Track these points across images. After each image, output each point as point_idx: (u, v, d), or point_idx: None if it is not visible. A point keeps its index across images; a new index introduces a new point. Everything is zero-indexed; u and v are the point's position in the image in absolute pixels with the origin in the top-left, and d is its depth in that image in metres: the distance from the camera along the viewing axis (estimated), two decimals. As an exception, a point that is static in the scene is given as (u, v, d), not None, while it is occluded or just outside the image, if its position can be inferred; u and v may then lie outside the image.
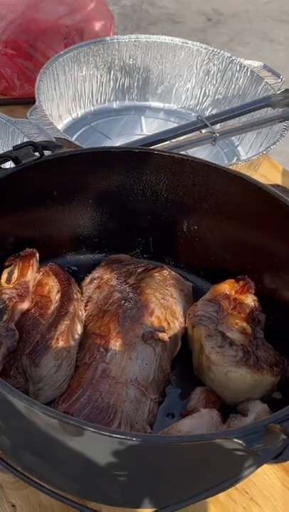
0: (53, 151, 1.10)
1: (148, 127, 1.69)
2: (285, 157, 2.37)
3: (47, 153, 1.08)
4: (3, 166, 1.04)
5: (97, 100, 1.69)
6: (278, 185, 1.08)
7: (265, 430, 0.75)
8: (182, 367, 1.07)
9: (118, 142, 1.60)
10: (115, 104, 1.72)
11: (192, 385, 1.04)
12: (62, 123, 1.63)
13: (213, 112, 1.70)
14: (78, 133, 1.63)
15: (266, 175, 1.60)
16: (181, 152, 1.24)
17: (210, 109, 1.71)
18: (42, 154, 1.06)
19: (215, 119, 1.43)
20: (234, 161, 1.61)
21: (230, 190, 1.09)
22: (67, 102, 1.63)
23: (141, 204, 1.16)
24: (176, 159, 1.10)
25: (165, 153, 1.11)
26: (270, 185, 1.07)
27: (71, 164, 1.09)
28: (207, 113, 1.71)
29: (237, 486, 0.94)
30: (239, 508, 0.99)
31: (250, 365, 0.98)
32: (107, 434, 0.74)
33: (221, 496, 0.99)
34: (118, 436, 0.74)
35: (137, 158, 1.11)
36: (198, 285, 1.18)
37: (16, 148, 1.06)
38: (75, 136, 1.61)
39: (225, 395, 1.00)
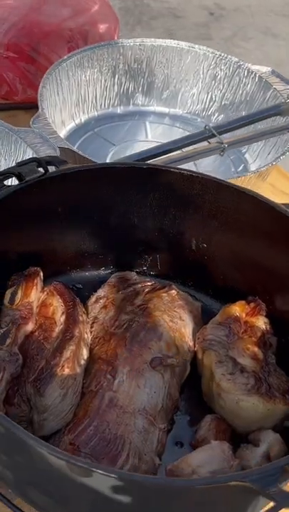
0: (58, 167, 1.06)
1: (153, 133, 1.65)
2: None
3: (51, 168, 1.04)
4: (6, 182, 1.01)
5: (101, 105, 1.65)
6: (292, 204, 1.04)
7: (281, 472, 0.72)
8: (191, 392, 1.04)
9: (122, 149, 1.57)
10: (119, 109, 1.68)
11: (201, 412, 1.00)
12: (65, 129, 1.59)
13: (220, 117, 1.66)
14: (81, 139, 1.59)
15: (274, 183, 1.56)
16: (190, 164, 1.21)
17: (216, 115, 1.67)
18: (46, 170, 1.03)
19: (223, 128, 1.39)
20: (241, 168, 1.58)
21: (242, 208, 1.06)
22: (71, 108, 1.59)
23: (148, 221, 1.12)
24: (186, 176, 1.07)
25: (173, 170, 1.07)
26: (284, 204, 1.03)
27: (76, 181, 1.06)
28: (214, 119, 1.67)
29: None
30: None
31: (262, 394, 0.95)
32: (115, 476, 0.70)
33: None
34: (128, 478, 0.71)
35: (145, 174, 1.08)
36: (208, 304, 1.15)
37: (20, 164, 1.02)
38: (78, 143, 1.57)
39: (236, 423, 0.97)
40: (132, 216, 1.12)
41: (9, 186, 1.01)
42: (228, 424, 0.97)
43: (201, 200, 1.08)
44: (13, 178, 1.02)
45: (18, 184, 1.01)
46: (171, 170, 1.07)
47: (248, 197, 1.05)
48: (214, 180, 1.06)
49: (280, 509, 0.70)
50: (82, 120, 1.63)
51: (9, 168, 1.02)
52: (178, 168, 1.08)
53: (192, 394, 1.04)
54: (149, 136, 1.64)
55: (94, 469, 0.70)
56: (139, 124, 1.67)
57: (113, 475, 0.70)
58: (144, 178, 1.08)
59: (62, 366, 0.93)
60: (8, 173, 1.02)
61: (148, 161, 1.25)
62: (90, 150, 1.54)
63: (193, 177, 1.07)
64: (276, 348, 1.04)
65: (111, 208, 1.11)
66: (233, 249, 1.10)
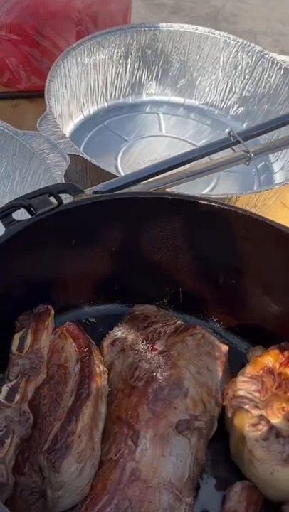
0: (72, 195, 0.95)
1: (166, 125, 1.53)
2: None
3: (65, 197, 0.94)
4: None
5: (111, 95, 1.53)
6: None
7: None
8: (216, 445, 0.94)
9: (134, 145, 1.46)
10: (131, 99, 1.56)
11: (229, 472, 0.92)
12: (73, 122, 1.47)
13: (240, 110, 1.55)
14: (91, 133, 1.47)
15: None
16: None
17: (235, 107, 1.55)
18: (60, 202, 0.92)
19: (248, 133, 1.26)
20: (260, 166, 1.46)
21: (278, 246, 0.96)
22: (79, 99, 1.47)
23: (171, 254, 1.02)
24: (216, 209, 0.96)
25: (204, 202, 0.96)
26: None
27: (93, 213, 0.95)
28: (232, 111, 1.55)
29: None
30: None
31: (300, 464, 0.85)
32: None
33: None
34: None
35: (170, 206, 0.97)
36: (234, 344, 1.05)
37: (31, 196, 0.91)
38: (87, 138, 1.46)
39: (269, 492, 0.88)
40: (153, 248, 1.01)
41: (19, 221, 0.90)
42: (260, 492, 0.88)
43: (231, 234, 0.98)
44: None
45: (29, 219, 0.91)
46: (201, 202, 0.96)
47: (283, 234, 0.94)
48: (250, 215, 0.96)
49: None
50: (91, 112, 1.51)
51: (19, 200, 0.91)
52: (208, 200, 0.96)
53: (218, 449, 0.94)
54: (163, 130, 1.52)
55: None
56: (152, 115, 1.55)
57: None
58: (169, 209, 0.97)
59: (80, 436, 0.82)
60: (17, 206, 0.91)
61: (169, 172, 1.14)
62: (99, 146, 1.44)
63: (225, 211, 0.96)
64: (311, 401, 0.95)
65: (130, 240, 1.00)
66: (267, 287, 1.00)
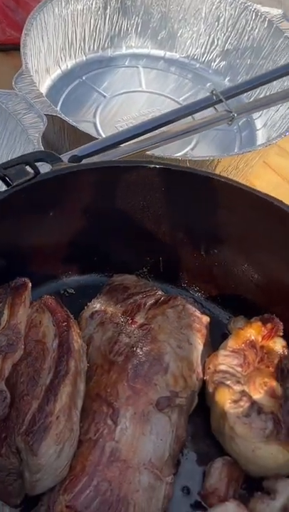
0: (50, 163, 0.92)
1: (146, 79, 1.48)
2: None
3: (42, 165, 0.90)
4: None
5: (89, 48, 1.48)
6: None
7: None
8: (196, 419, 0.93)
9: (113, 102, 1.42)
10: (110, 52, 1.50)
11: (209, 446, 0.91)
12: (51, 77, 1.42)
13: (222, 64, 1.51)
14: (69, 88, 1.43)
15: (281, 143, 1.41)
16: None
17: (217, 61, 1.51)
18: (37, 172, 0.88)
19: (231, 92, 1.22)
20: (242, 123, 1.43)
21: (262, 216, 0.93)
22: (56, 52, 1.42)
23: (151, 223, 0.99)
24: (198, 177, 0.93)
25: (185, 171, 0.92)
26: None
27: (71, 182, 0.92)
28: (214, 65, 1.51)
29: None
30: None
31: (281, 441, 0.84)
32: None
33: None
34: None
35: (151, 174, 0.93)
36: (215, 314, 1.03)
37: (6, 166, 0.87)
38: (65, 93, 1.41)
39: (250, 468, 0.87)
40: (132, 217, 0.99)
41: (-6, 193, 0.87)
42: (241, 469, 0.87)
43: (214, 204, 0.95)
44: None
45: (5, 191, 0.88)
46: (183, 170, 0.93)
47: (269, 205, 0.91)
48: (232, 184, 0.92)
49: None
50: (69, 66, 1.46)
51: (-7, 170, 0.87)
52: (192, 169, 0.94)
53: (198, 422, 0.93)
54: (143, 85, 1.48)
55: None
56: (131, 69, 1.50)
57: None
58: (150, 178, 0.94)
59: (58, 417, 0.80)
60: (-8, 177, 0.87)
61: (150, 134, 1.11)
62: (77, 102, 1.40)
63: (207, 179, 0.93)
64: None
65: (109, 208, 0.97)
66: (249, 257, 0.99)
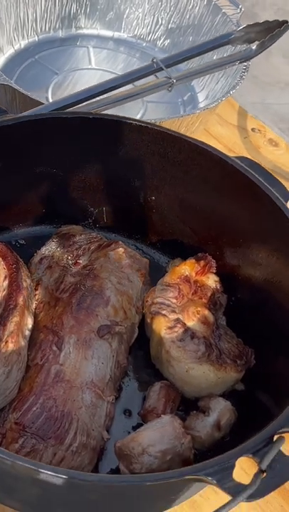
0: (-5, 115, 0.99)
1: (96, 59, 1.56)
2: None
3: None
4: None
5: (41, 29, 1.55)
6: (247, 158, 0.99)
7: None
8: (138, 352, 1.01)
9: (65, 78, 1.49)
10: (61, 33, 1.58)
11: (149, 375, 0.99)
12: (4, 56, 1.49)
13: (166, 42, 1.58)
14: (22, 67, 1.50)
15: (222, 114, 1.51)
16: (131, 100, 1.15)
17: (162, 39, 1.59)
18: (-17, 125, 0.96)
19: (171, 61, 1.31)
20: (187, 97, 1.52)
21: (192, 160, 1.01)
22: (9, 32, 1.49)
23: (93, 173, 1.06)
24: (134, 126, 1.00)
25: (122, 120, 1.00)
26: (236, 157, 0.98)
27: (16, 133, 0.98)
28: (159, 43, 1.59)
29: None
30: None
31: (212, 361, 0.92)
32: (64, 476, 0.67)
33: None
34: (78, 479, 0.68)
35: (91, 124, 1.01)
36: (155, 259, 1.11)
37: None
38: (18, 71, 1.48)
39: (185, 389, 0.95)
40: (76, 168, 1.06)
41: None
42: (178, 390, 0.95)
43: (150, 152, 1.03)
44: None
45: None
46: (119, 120, 1.00)
47: (199, 149, 1.00)
48: (164, 131, 1.00)
49: (237, 503, 0.68)
50: (22, 45, 1.53)
51: None
52: (125, 118, 1.01)
53: (139, 354, 1.01)
54: (93, 63, 1.55)
55: (42, 470, 0.67)
56: (82, 49, 1.58)
57: (62, 475, 0.67)
58: (90, 128, 1.01)
59: (6, 342, 0.88)
60: None
61: (93, 100, 1.18)
62: (31, 80, 1.46)
63: (142, 127, 1.00)
64: (226, 307, 1.02)
65: (54, 159, 1.04)
66: (183, 202, 1.06)
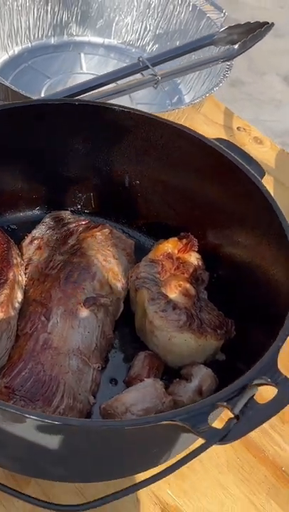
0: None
1: (88, 64, 1.62)
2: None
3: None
4: None
5: (34, 36, 1.61)
6: (224, 140, 1.04)
7: (210, 409, 0.74)
8: (124, 328, 1.06)
9: (57, 81, 1.54)
10: (53, 40, 1.64)
11: (135, 348, 1.02)
12: (-1, 62, 1.55)
13: (155, 47, 1.64)
14: (15, 72, 1.56)
15: (208, 114, 1.56)
16: (125, 97, 1.19)
17: (151, 45, 1.65)
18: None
19: (157, 60, 1.37)
20: (175, 99, 1.57)
21: (174, 143, 1.06)
22: (3, 39, 1.55)
23: (81, 159, 1.11)
24: (117, 112, 1.05)
25: (105, 106, 1.05)
26: (215, 139, 1.03)
27: (5, 120, 1.03)
28: (148, 49, 1.65)
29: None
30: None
31: (193, 330, 0.97)
32: (49, 422, 0.71)
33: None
34: (61, 423, 0.72)
35: (76, 111, 1.06)
36: (141, 242, 1.16)
37: None
38: (11, 76, 1.54)
39: (168, 358, 0.99)
40: (64, 155, 1.11)
41: None
42: (161, 359, 0.99)
43: (133, 137, 1.08)
44: None
45: None
46: (103, 106, 1.05)
47: (180, 132, 1.04)
48: (146, 115, 1.05)
49: (210, 446, 0.72)
50: (16, 52, 1.59)
51: None
52: (109, 104, 1.06)
53: (126, 330, 1.05)
54: (84, 68, 1.61)
55: (27, 415, 0.71)
56: (74, 55, 1.64)
57: (48, 420, 0.71)
58: (75, 114, 1.06)
59: (-4, 311, 0.93)
60: None
61: (81, 96, 1.24)
62: (24, 84, 1.51)
63: (125, 113, 1.05)
64: (208, 283, 1.06)
65: (42, 146, 1.09)
66: (166, 185, 1.10)
